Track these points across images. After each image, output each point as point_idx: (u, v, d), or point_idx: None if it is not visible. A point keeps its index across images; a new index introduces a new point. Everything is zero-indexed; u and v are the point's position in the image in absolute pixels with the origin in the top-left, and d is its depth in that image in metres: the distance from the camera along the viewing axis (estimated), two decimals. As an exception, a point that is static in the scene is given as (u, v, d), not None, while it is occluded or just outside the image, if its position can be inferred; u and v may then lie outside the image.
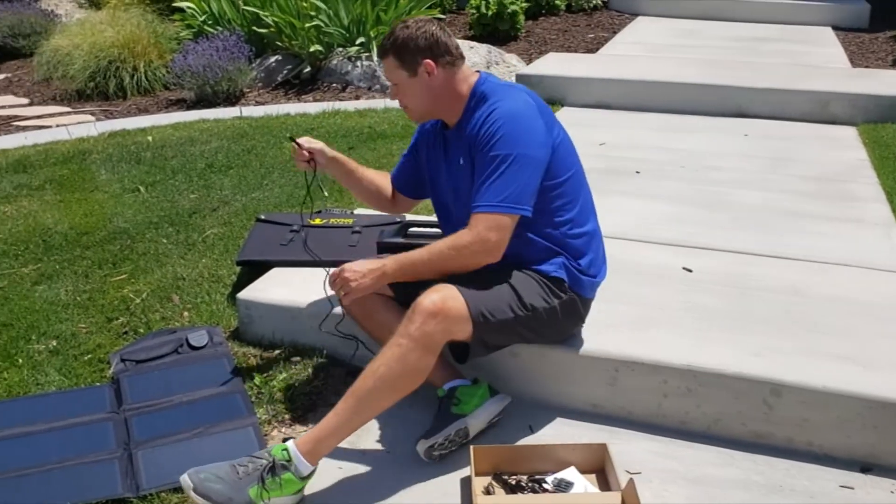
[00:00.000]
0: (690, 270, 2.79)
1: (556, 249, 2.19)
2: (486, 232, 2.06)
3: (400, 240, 2.63)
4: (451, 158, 2.24)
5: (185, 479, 1.92)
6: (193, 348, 2.57)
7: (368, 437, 2.26)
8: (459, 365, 2.25)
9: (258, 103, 5.91)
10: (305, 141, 2.38)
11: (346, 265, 2.17)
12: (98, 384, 2.49)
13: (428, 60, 2.15)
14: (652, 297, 2.61)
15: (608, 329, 2.41)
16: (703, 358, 2.25)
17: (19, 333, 2.72)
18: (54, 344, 2.67)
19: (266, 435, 2.27)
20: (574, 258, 2.21)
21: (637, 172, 3.90)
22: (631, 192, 3.66)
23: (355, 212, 3.32)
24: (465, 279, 2.11)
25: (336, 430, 2.01)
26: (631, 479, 1.92)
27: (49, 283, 3.06)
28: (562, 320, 2.23)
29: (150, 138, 4.84)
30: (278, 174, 4.14)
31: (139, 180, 4.12)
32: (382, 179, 2.52)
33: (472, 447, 2.10)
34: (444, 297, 2.03)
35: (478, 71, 2.26)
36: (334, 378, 2.49)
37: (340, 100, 5.86)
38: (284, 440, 2.03)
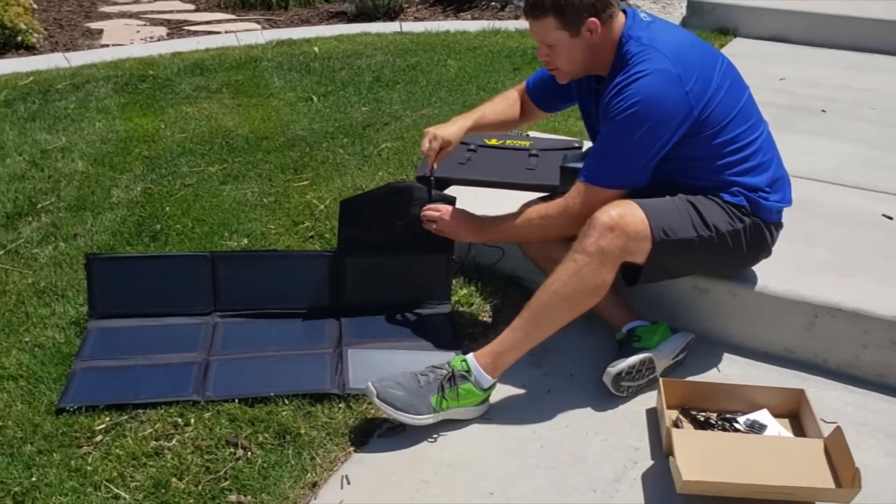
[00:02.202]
0: (892, 218, 2.64)
1: (726, 186, 2.09)
2: (579, 206, 2.04)
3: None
4: (601, 116, 2.11)
5: (370, 387, 1.97)
6: None
7: (551, 359, 2.28)
8: (630, 287, 2.18)
9: (416, 19, 5.88)
10: (428, 142, 2.34)
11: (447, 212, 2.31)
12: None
13: (592, 18, 2.01)
14: (851, 243, 2.48)
15: (806, 272, 2.31)
16: (911, 310, 2.14)
17: (212, 230, 2.84)
18: (245, 242, 2.77)
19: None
20: (751, 189, 2.09)
21: (823, 111, 3.68)
22: (817, 131, 3.46)
23: (530, 134, 3.28)
24: (643, 199, 2.04)
25: (514, 344, 2.02)
26: (838, 427, 1.86)
27: (235, 183, 3.18)
28: (747, 246, 2.12)
29: (316, 49, 4.91)
30: (445, 92, 4.13)
31: (311, 90, 4.20)
32: (506, 108, 2.45)
33: (661, 379, 2.08)
34: (623, 213, 1.97)
35: (622, 10, 2.10)
36: (511, 297, 2.50)
37: (499, 19, 5.76)
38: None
